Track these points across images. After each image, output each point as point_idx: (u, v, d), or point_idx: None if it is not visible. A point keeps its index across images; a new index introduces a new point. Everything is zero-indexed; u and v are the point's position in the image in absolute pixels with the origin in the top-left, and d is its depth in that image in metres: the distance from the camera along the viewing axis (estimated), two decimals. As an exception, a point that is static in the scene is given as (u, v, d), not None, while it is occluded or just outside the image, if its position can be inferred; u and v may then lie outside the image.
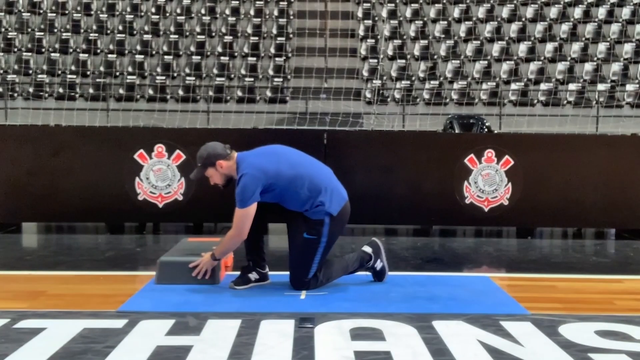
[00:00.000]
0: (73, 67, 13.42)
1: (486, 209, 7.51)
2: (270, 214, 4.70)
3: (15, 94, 12.57)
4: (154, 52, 14.06)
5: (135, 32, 14.72)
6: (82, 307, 4.14)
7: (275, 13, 15.52)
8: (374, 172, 7.46)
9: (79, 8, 14.98)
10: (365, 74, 13.91)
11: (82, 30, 14.54)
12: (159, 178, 7.39)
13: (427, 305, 4.28)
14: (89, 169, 7.37)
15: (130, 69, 13.62)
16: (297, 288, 4.60)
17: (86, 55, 13.78)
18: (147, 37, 14.38)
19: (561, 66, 14.04)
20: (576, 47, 14.51)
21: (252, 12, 15.46)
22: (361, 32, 15.16)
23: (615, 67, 13.95)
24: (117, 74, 13.61)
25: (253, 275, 4.73)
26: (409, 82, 13.35)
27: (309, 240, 4.56)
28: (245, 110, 10.79)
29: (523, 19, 15.21)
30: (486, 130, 10.39)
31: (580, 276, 5.55)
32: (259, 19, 15.16)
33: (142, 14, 15.17)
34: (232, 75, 13.81)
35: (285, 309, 4.11)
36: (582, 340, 3.56)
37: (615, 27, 15.02)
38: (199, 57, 13.98)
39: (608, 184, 7.55)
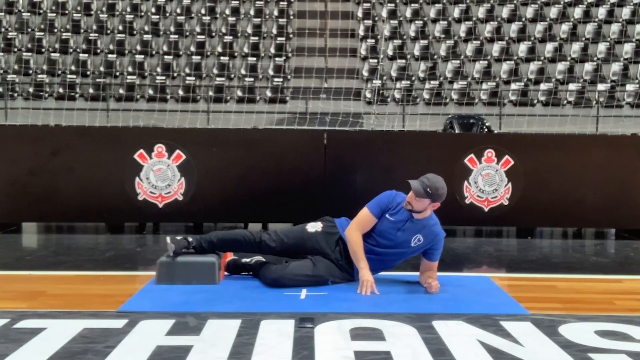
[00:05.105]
0: (73, 67, 13.42)
1: (486, 209, 7.51)
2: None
3: (15, 94, 12.57)
4: (154, 52, 14.06)
5: (135, 32, 14.71)
6: (82, 307, 4.14)
7: (275, 13, 15.51)
8: (374, 172, 7.45)
9: (79, 8, 14.98)
10: (365, 74, 13.90)
11: (82, 30, 14.53)
12: (159, 178, 7.39)
13: (427, 305, 4.27)
14: (89, 169, 7.37)
15: (130, 69, 13.61)
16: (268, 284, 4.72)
17: (86, 55, 13.79)
18: (147, 37, 14.37)
19: (561, 66, 14.04)
20: (576, 47, 14.51)
21: (252, 12, 15.45)
22: (361, 32, 15.15)
23: (615, 67, 13.94)
24: (117, 74, 13.61)
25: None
26: (409, 82, 13.34)
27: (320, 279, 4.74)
28: (245, 110, 10.78)
29: (523, 19, 15.20)
30: (486, 130, 10.39)
31: (580, 276, 5.55)
32: (259, 19, 15.16)
33: (142, 14, 15.17)
34: (232, 75, 13.81)
35: (285, 309, 4.11)
36: (582, 340, 3.56)
37: (615, 27, 15.02)
38: (199, 57, 13.98)
39: (608, 184, 7.56)
